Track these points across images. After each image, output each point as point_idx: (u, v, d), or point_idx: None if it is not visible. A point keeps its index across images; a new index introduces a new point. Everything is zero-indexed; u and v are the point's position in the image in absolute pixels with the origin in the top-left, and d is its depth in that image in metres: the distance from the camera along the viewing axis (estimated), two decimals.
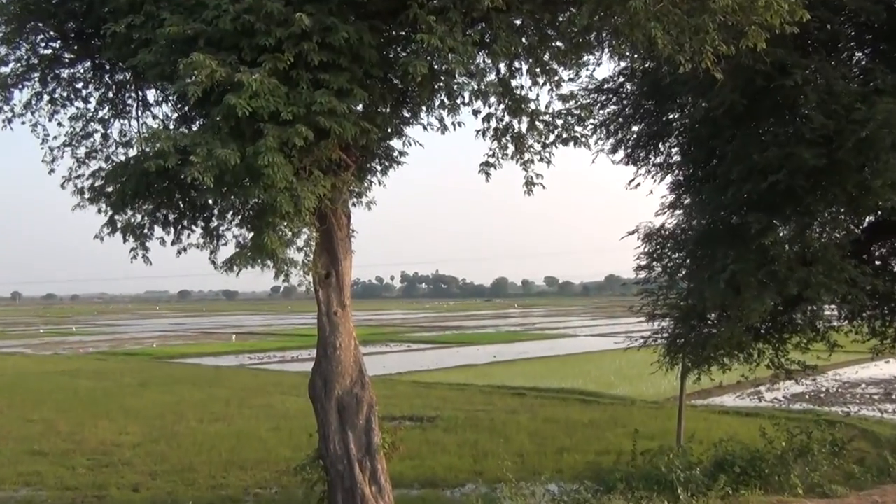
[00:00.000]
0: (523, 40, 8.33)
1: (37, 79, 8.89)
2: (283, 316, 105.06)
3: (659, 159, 13.83)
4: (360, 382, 9.17)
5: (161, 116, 9.35)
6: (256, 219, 7.60)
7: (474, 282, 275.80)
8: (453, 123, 8.77)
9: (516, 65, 8.81)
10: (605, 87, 13.72)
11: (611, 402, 21.84)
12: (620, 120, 13.77)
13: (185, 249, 9.04)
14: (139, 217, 8.31)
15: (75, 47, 8.89)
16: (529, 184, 9.03)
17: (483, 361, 34.71)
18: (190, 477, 14.18)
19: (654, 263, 13.05)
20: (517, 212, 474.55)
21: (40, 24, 8.59)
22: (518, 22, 8.17)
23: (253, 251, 7.38)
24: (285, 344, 47.37)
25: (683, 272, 12.92)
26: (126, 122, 9.48)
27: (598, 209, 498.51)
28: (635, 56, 10.33)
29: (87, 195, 8.33)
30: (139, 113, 9.50)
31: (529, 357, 36.78)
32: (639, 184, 13.72)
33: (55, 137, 9.16)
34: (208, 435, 17.66)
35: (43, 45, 8.86)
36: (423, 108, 8.98)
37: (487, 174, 9.20)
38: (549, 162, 9.18)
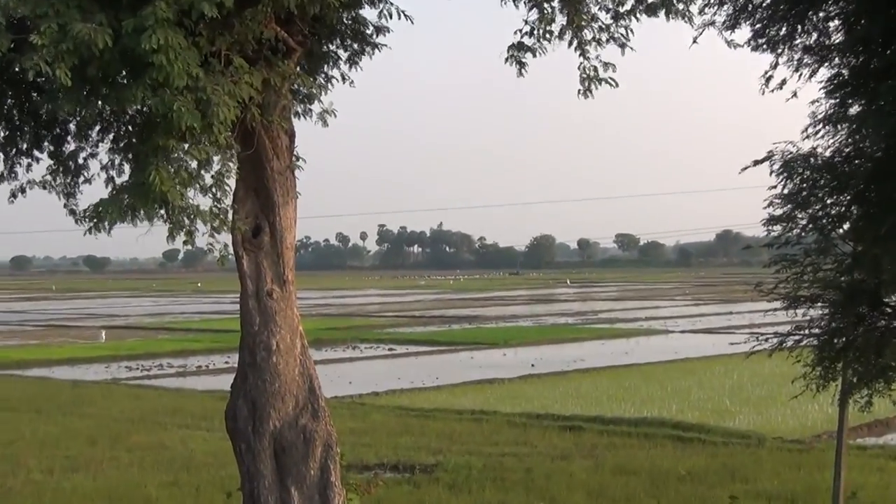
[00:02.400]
0: None
1: None
2: (183, 298, 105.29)
3: (808, 41, 13.76)
4: (311, 408, 9.26)
5: None
6: (139, 140, 7.62)
7: (499, 242, 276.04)
8: None
9: None
10: None
11: (724, 441, 21.96)
12: None
13: (22, 190, 9.09)
14: None
15: None
16: (590, 80, 9.03)
17: (513, 374, 34.85)
18: None
19: (798, 212, 13.05)
20: (569, 128, 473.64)
21: None
22: None
23: (133, 194, 7.42)
24: (187, 345, 47.64)
25: (847, 227, 12.92)
26: None
27: (704, 124, 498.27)
28: None
29: None
30: None
31: (589, 367, 36.92)
32: (783, 80, 13.67)
33: None
34: (62, 494, 17.83)
35: None
36: None
37: (521, 64, 9.21)
38: (623, 45, 9.17)
